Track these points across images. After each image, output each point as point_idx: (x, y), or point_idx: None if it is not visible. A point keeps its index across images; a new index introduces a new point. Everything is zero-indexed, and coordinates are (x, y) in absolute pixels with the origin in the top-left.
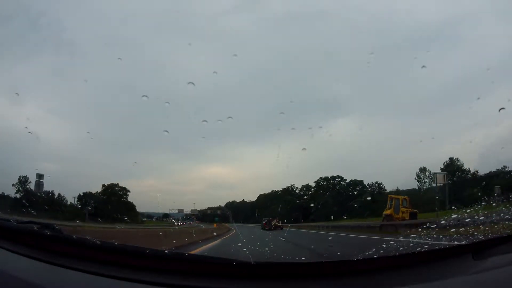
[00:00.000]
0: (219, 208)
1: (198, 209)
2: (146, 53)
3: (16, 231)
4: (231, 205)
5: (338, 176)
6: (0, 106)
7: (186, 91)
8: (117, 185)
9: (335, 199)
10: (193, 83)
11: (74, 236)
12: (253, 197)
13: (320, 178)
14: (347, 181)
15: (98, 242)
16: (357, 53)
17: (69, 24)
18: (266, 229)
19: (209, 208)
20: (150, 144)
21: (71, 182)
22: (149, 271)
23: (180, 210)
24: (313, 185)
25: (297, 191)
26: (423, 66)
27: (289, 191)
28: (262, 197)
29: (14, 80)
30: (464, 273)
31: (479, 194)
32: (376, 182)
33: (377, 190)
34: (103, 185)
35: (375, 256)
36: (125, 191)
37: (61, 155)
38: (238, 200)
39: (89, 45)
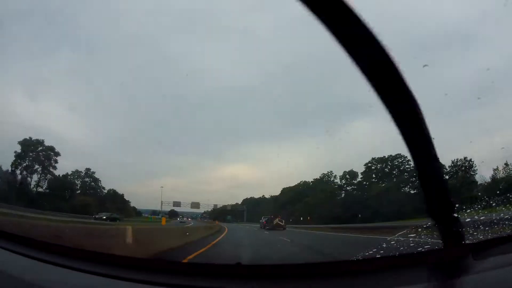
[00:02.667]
0: (236, 205)
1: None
2: (164, 51)
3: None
4: (249, 202)
5: (399, 156)
6: (18, 104)
7: (205, 91)
8: (41, 142)
9: (400, 189)
10: (214, 86)
11: (76, 237)
12: (276, 192)
13: (373, 159)
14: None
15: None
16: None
17: (87, 21)
18: (267, 229)
19: (220, 207)
20: (169, 143)
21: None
22: (149, 271)
23: (176, 204)
24: (363, 170)
25: (338, 180)
26: (425, 67)
27: (323, 182)
28: (286, 191)
29: (33, 78)
30: (464, 273)
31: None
32: (465, 159)
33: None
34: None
35: (375, 256)
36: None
37: (79, 152)
38: (257, 196)
39: (107, 43)
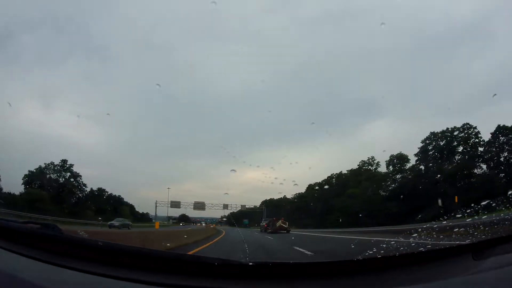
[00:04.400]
0: (254, 208)
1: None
2: (178, 56)
3: (16, 231)
4: (269, 203)
5: (468, 126)
6: (33, 112)
7: (221, 96)
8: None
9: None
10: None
11: (74, 236)
12: (300, 190)
13: (431, 134)
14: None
15: (98, 242)
16: (392, 53)
17: (99, 29)
18: (269, 232)
19: (239, 210)
20: (187, 149)
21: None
22: (149, 271)
23: (175, 204)
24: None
25: (384, 168)
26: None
27: (361, 172)
28: (311, 188)
29: (46, 86)
30: (464, 273)
31: None
32: None
33: None
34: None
35: (375, 256)
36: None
37: (95, 160)
38: (276, 198)
39: (120, 50)
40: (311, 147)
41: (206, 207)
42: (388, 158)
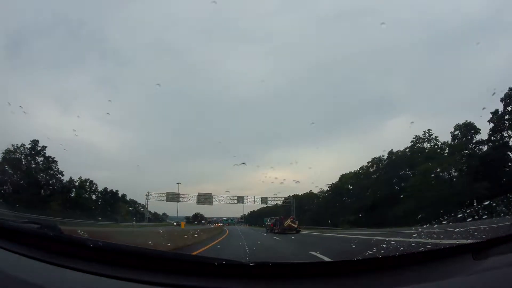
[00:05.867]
0: (276, 206)
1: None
2: (193, 57)
3: (16, 231)
4: (295, 198)
5: None
6: (51, 117)
7: (238, 95)
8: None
9: None
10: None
11: (74, 236)
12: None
13: (510, 89)
14: None
15: (98, 242)
16: (408, 50)
17: (113, 32)
18: (276, 233)
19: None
20: (205, 151)
21: (128, 190)
22: (149, 271)
23: (172, 197)
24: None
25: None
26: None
27: (418, 149)
28: (346, 178)
29: (62, 90)
30: (464, 273)
31: None
32: None
33: None
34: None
35: (375, 256)
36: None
37: (115, 162)
38: (301, 193)
39: (135, 52)
40: (329, 147)
41: (214, 200)
42: (385, 157)
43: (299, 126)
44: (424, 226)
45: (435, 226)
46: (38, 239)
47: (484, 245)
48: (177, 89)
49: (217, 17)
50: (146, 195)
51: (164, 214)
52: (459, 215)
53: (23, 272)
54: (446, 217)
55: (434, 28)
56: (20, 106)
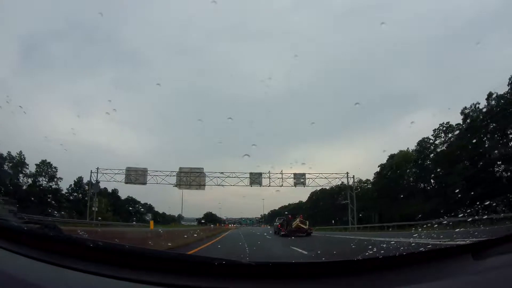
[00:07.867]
0: (288, 206)
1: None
2: (209, 57)
3: (16, 231)
4: (317, 194)
5: None
6: (68, 121)
7: (255, 94)
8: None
9: None
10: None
11: (74, 236)
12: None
13: None
14: None
15: (98, 242)
16: (424, 43)
17: (128, 34)
18: (282, 235)
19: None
20: (221, 151)
21: (143, 194)
22: (149, 271)
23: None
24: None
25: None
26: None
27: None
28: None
29: (78, 94)
30: (464, 273)
31: None
32: None
33: None
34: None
35: (375, 256)
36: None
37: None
38: (328, 187)
39: (151, 54)
40: (351, 142)
41: (206, 177)
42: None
43: (316, 124)
44: None
45: None
46: (38, 239)
47: (484, 245)
48: (193, 88)
49: (231, 15)
50: (91, 172)
51: (179, 215)
52: None
53: (23, 272)
54: None
55: (449, 21)
56: (20, 106)
